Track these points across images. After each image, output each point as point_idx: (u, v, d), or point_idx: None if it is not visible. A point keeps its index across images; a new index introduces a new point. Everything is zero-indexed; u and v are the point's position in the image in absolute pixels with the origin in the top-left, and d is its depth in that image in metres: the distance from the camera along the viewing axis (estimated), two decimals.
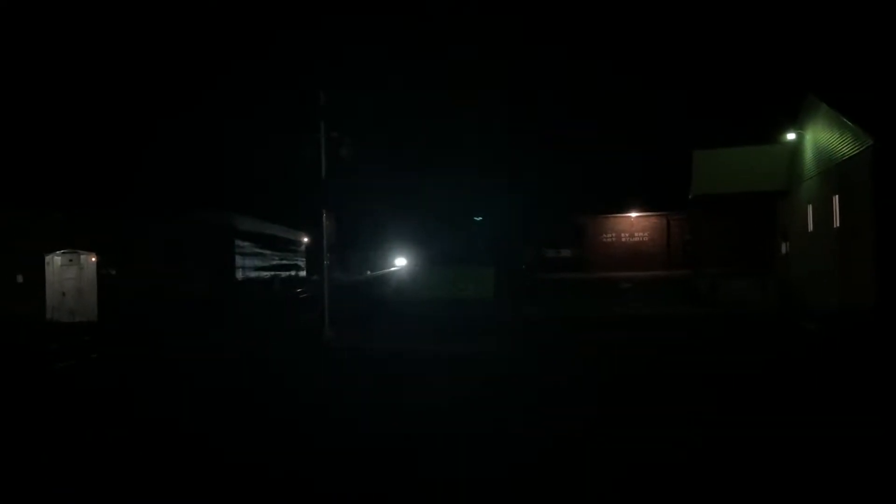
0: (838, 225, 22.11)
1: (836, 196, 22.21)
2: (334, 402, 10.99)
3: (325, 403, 10.86)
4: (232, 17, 73.97)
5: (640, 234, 51.04)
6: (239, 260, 39.90)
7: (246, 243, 41.38)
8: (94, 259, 25.90)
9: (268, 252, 45.86)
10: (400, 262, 56.91)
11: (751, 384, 11.27)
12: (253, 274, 41.99)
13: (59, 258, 25.51)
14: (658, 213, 50.30)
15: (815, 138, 24.66)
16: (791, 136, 27.13)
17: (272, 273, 46.04)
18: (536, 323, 21.42)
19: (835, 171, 22.34)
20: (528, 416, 9.43)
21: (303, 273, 53.43)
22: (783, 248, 30.41)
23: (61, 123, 53.03)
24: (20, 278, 27.04)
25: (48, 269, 25.34)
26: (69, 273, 25.40)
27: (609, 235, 51.65)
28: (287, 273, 49.45)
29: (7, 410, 10.88)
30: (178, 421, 9.89)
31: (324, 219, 19.28)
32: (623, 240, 51.26)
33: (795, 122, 26.79)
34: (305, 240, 54.28)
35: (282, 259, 49.23)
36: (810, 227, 25.47)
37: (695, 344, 16.50)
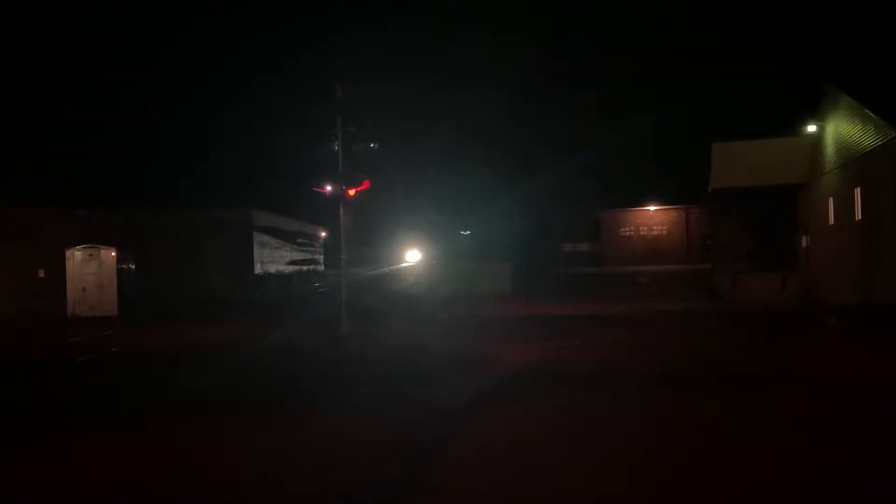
0: (860, 218, 21.83)
1: (858, 188, 21.93)
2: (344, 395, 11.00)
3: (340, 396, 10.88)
4: (253, 15, 74.24)
5: (659, 228, 50.71)
6: (258, 255, 40.12)
7: (265, 238, 41.60)
8: (113, 254, 26.14)
9: (286, 247, 46.08)
10: (418, 257, 56.97)
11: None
12: (272, 269, 42.20)
13: (80, 253, 25.77)
14: (676, 207, 49.96)
15: (837, 130, 24.35)
16: (812, 128, 26.81)
17: (290, 268, 46.24)
18: (551, 320, 21.30)
19: (856, 164, 22.05)
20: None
21: (321, 268, 53.60)
22: (804, 242, 30.09)
23: (84, 122, 53.57)
24: (42, 273, 27.39)
25: (69, 264, 25.61)
26: (89, 268, 25.65)
27: (627, 230, 51.38)
28: (305, 267, 49.65)
29: (30, 403, 10.99)
30: (213, 400, 9.98)
31: (341, 214, 19.29)
32: (641, 234, 50.96)
33: (816, 114, 26.47)
34: (323, 234, 54.45)
35: (300, 254, 49.43)
36: (831, 221, 25.16)
37: (715, 340, 16.40)
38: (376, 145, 19.31)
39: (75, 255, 25.73)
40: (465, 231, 50.85)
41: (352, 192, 18.75)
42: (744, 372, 11.69)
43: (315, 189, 18.95)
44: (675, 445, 7.51)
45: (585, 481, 6.45)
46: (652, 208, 50.64)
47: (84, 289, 25.49)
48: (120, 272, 26.69)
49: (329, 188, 18.86)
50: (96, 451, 7.94)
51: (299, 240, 49.54)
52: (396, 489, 6.45)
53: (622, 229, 51.53)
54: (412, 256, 60.37)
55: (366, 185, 18.97)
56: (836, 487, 6.12)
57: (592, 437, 8.01)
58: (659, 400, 9.82)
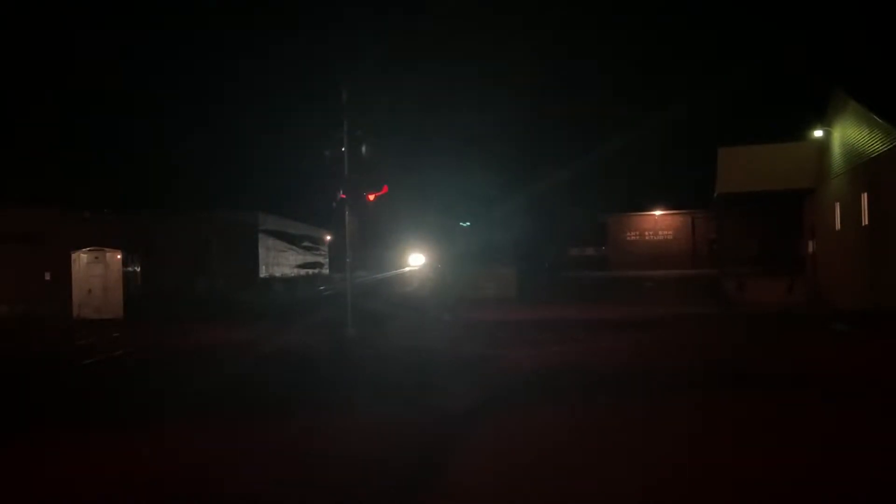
0: (867, 223, 21.75)
1: (865, 194, 21.84)
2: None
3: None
4: (259, 18, 74.45)
5: (665, 232, 50.68)
6: (263, 258, 40.19)
7: (270, 241, 41.67)
8: (119, 257, 26.19)
9: (291, 250, 46.14)
10: (424, 260, 56.99)
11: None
12: (277, 272, 42.26)
13: (86, 256, 25.81)
14: (682, 212, 49.94)
15: (843, 135, 24.28)
16: (818, 133, 26.74)
17: (296, 271, 46.29)
18: (558, 323, 21.23)
19: (863, 169, 21.97)
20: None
21: (326, 271, 53.63)
22: (810, 247, 30.00)
23: (89, 124, 53.73)
24: (48, 276, 27.45)
25: (74, 267, 25.65)
26: (95, 270, 25.69)
27: (633, 234, 51.35)
28: (310, 271, 49.70)
29: (38, 406, 10.98)
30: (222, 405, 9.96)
31: (346, 217, 19.27)
32: (647, 238, 50.94)
33: (823, 119, 26.40)
34: (328, 238, 54.49)
35: (305, 257, 49.49)
36: (838, 226, 25.07)
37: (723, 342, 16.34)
38: (370, 138, 19.18)
39: (81, 258, 25.78)
40: (464, 223, 50.62)
41: (371, 196, 18.70)
42: (765, 374, 11.68)
43: (338, 198, 18.72)
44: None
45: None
46: (658, 213, 50.59)
47: (90, 291, 25.53)
48: (125, 274, 26.74)
49: (344, 194, 18.81)
50: (100, 453, 7.94)
51: (304, 243, 49.59)
52: (398, 492, 6.46)
53: (628, 234, 51.49)
54: (416, 260, 60.42)
55: (384, 189, 18.93)
56: None
57: (610, 445, 7.89)
58: (686, 406, 9.72)
